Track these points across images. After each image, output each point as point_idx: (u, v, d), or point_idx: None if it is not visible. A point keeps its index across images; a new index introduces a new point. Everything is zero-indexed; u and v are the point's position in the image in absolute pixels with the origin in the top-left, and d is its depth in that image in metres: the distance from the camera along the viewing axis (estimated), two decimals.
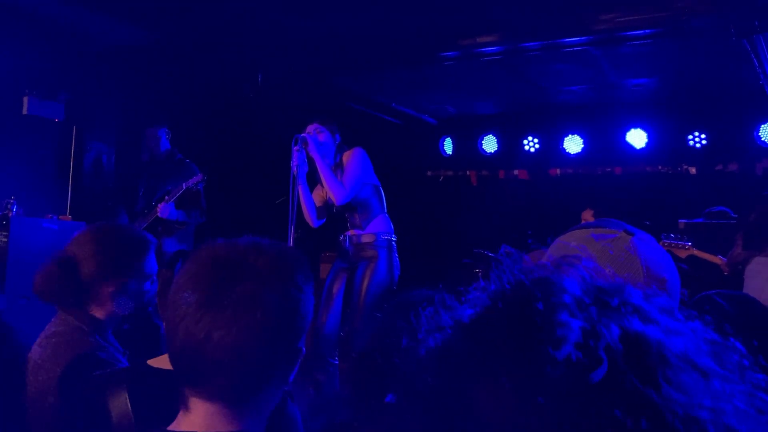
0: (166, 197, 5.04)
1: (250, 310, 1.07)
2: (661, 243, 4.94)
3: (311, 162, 4.20)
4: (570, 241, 1.14)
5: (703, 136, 6.60)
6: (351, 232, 4.35)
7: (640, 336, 0.55)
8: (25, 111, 5.75)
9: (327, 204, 4.43)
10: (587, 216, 5.70)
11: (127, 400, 1.54)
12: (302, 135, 4.17)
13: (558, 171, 7.44)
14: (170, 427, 1.11)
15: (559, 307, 0.56)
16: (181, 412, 1.11)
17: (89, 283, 2.04)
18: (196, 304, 1.07)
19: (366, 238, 4.27)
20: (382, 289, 4.16)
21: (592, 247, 1.10)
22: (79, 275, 2.03)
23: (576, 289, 0.59)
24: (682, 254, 4.89)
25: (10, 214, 4.74)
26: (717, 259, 4.74)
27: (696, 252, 4.88)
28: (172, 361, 1.12)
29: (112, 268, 2.07)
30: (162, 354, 1.75)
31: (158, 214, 5.02)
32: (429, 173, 8.26)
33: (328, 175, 4.16)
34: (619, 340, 0.54)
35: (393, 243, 4.32)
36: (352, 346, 4.07)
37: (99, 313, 2.07)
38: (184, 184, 5.01)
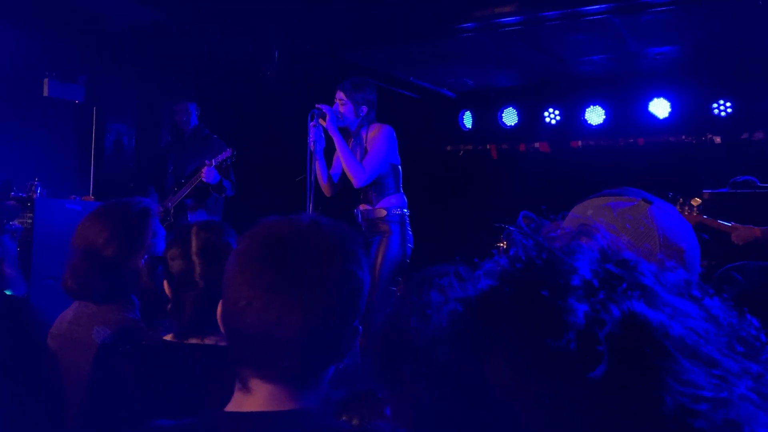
0: (207, 161, 4.95)
1: (321, 293, 1.06)
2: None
3: (329, 137, 4.15)
4: (587, 210, 1.12)
5: (728, 104, 6.46)
6: (363, 207, 4.30)
7: (642, 320, 0.51)
8: (45, 93, 5.80)
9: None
10: None
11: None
12: (317, 109, 4.11)
13: (579, 143, 7.34)
14: (230, 408, 1.10)
15: (567, 292, 0.52)
16: (239, 393, 1.09)
17: (117, 264, 1.98)
18: (264, 288, 1.05)
19: (378, 213, 4.22)
20: (395, 264, 4.15)
21: (608, 216, 1.08)
22: (107, 261, 1.96)
23: (586, 270, 0.55)
24: None
25: (35, 196, 4.78)
26: None
27: None
28: (234, 343, 1.10)
29: (134, 240, 2.03)
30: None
31: (202, 179, 4.91)
32: (448, 148, 8.21)
33: (347, 155, 4.10)
34: (620, 326, 0.50)
35: (405, 217, 4.25)
36: (369, 321, 4.08)
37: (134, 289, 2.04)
38: (214, 161, 4.94)
